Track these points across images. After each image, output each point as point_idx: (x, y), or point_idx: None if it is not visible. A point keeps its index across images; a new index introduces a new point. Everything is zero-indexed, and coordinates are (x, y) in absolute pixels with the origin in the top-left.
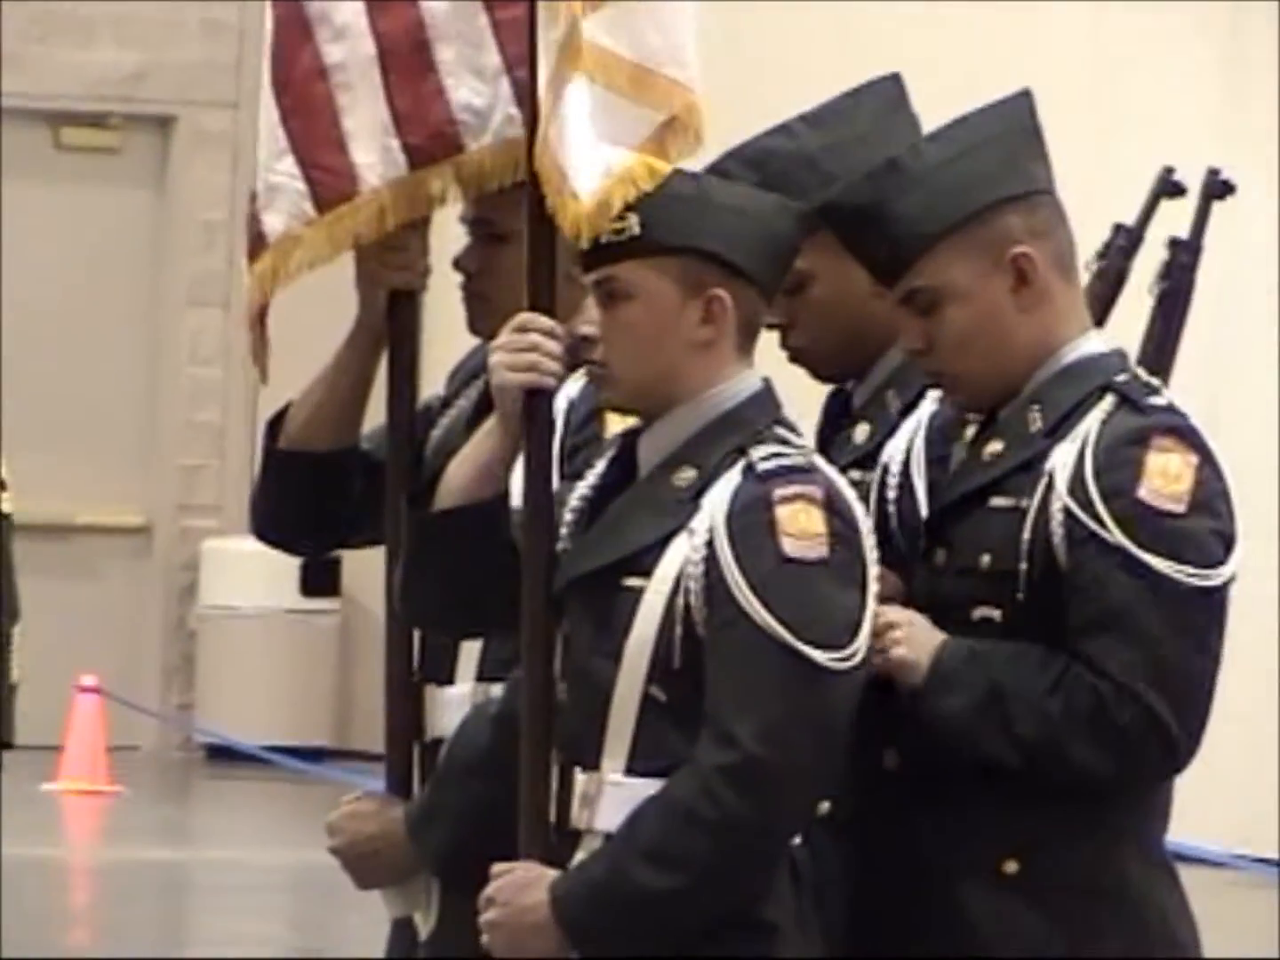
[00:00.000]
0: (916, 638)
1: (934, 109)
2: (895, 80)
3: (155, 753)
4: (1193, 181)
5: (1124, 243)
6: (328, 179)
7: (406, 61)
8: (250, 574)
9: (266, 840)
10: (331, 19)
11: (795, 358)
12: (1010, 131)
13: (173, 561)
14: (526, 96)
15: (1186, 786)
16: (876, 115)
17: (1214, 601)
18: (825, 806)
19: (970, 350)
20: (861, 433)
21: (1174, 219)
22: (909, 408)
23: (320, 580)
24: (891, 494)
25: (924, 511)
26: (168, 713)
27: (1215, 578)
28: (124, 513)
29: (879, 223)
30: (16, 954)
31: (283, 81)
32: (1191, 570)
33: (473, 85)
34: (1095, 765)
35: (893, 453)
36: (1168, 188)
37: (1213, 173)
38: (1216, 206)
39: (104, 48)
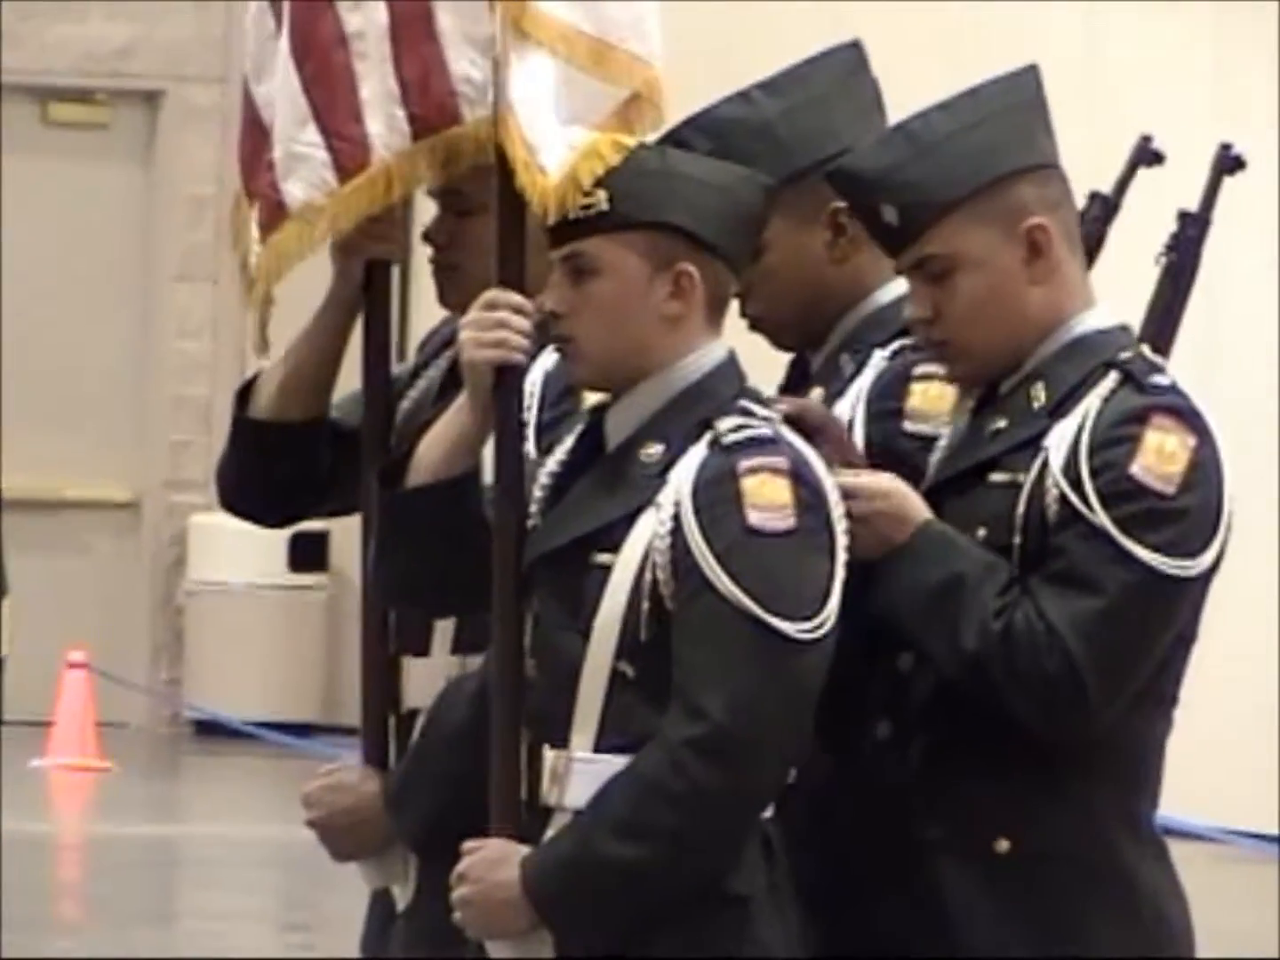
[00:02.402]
0: (896, 521)
1: (919, 93)
2: (855, 47)
3: (143, 728)
4: (1185, 152)
5: (1099, 211)
6: (347, 148)
7: (413, 30)
8: (238, 549)
9: (254, 815)
10: None
11: (754, 325)
12: (1021, 104)
13: (161, 537)
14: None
15: (1177, 762)
16: (834, 80)
17: (1180, 590)
18: (791, 775)
19: (980, 320)
20: (816, 396)
21: (1185, 193)
22: (860, 368)
23: (308, 555)
24: None
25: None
26: (156, 688)
27: (1189, 569)
28: (112, 488)
29: (891, 190)
30: (6, 928)
31: (304, 50)
32: (1166, 559)
33: (470, 56)
34: (1011, 699)
35: (841, 411)
36: (1146, 156)
37: (1225, 147)
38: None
39: (93, 23)
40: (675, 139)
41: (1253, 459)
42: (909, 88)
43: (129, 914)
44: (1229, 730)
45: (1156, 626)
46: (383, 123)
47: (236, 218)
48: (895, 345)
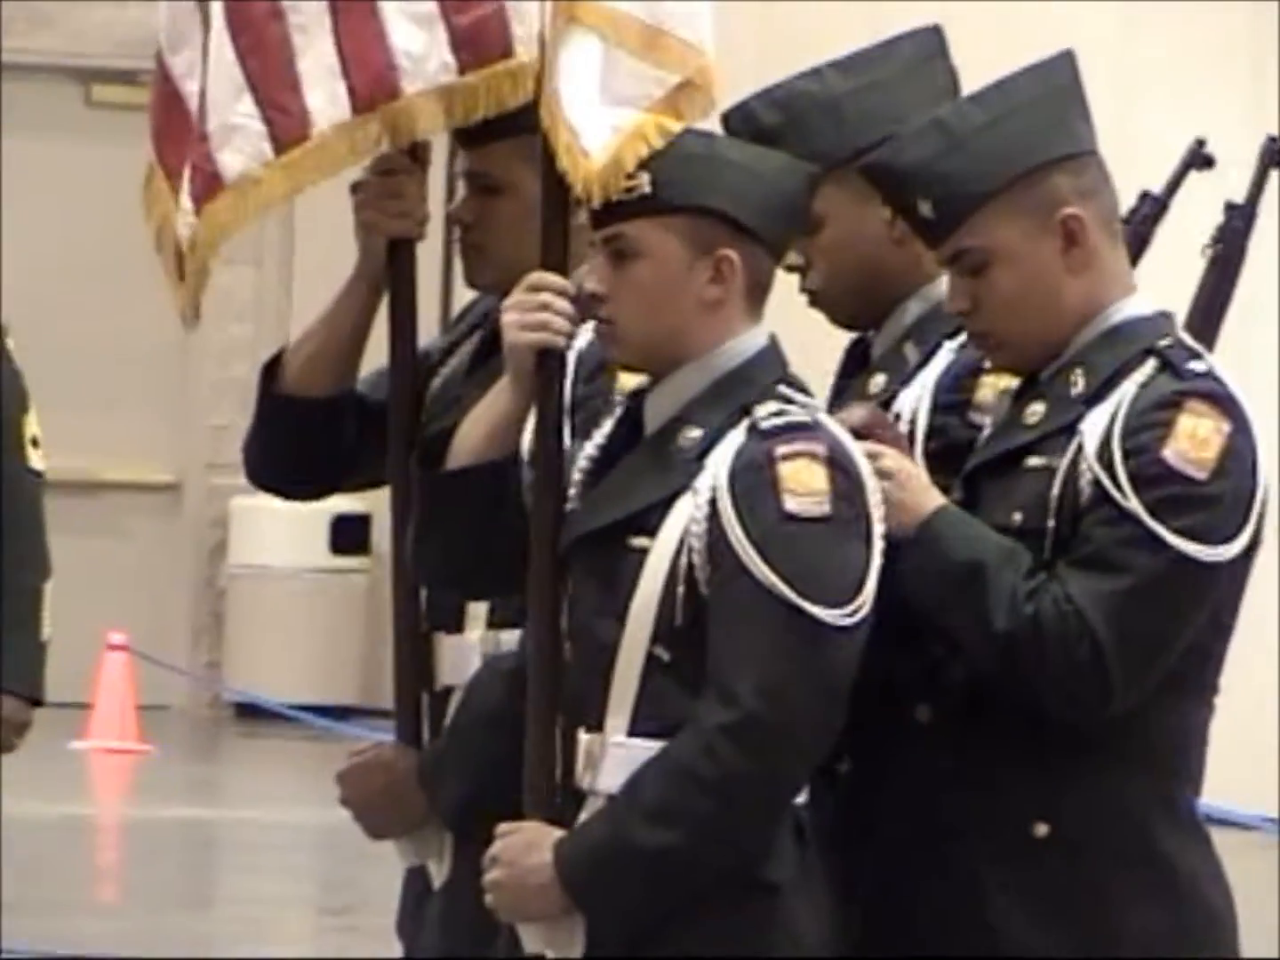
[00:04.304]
0: (910, 482)
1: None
2: (935, 31)
3: (184, 711)
4: (1229, 150)
5: (1149, 210)
6: (284, 120)
7: (353, 3)
8: (279, 532)
9: (294, 798)
10: None
11: (813, 301)
12: (1055, 92)
13: (202, 519)
14: (464, 43)
15: (1218, 750)
16: (907, 63)
17: (1209, 576)
18: (845, 766)
19: (1018, 311)
20: (878, 382)
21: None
22: (926, 359)
23: (350, 538)
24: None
25: (919, 458)
26: (196, 671)
27: (1218, 555)
28: (153, 470)
29: (925, 184)
30: (44, 910)
31: (240, 22)
32: (1195, 544)
33: (409, 30)
34: (1038, 684)
35: (906, 402)
36: (1198, 160)
37: (1272, 139)
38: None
39: (135, 5)
40: (744, 111)
41: None
42: None
43: (167, 897)
44: (1271, 717)
45: (1183, 611)
46: (323, 96)
47: (149, 190)
48: (963, 337)
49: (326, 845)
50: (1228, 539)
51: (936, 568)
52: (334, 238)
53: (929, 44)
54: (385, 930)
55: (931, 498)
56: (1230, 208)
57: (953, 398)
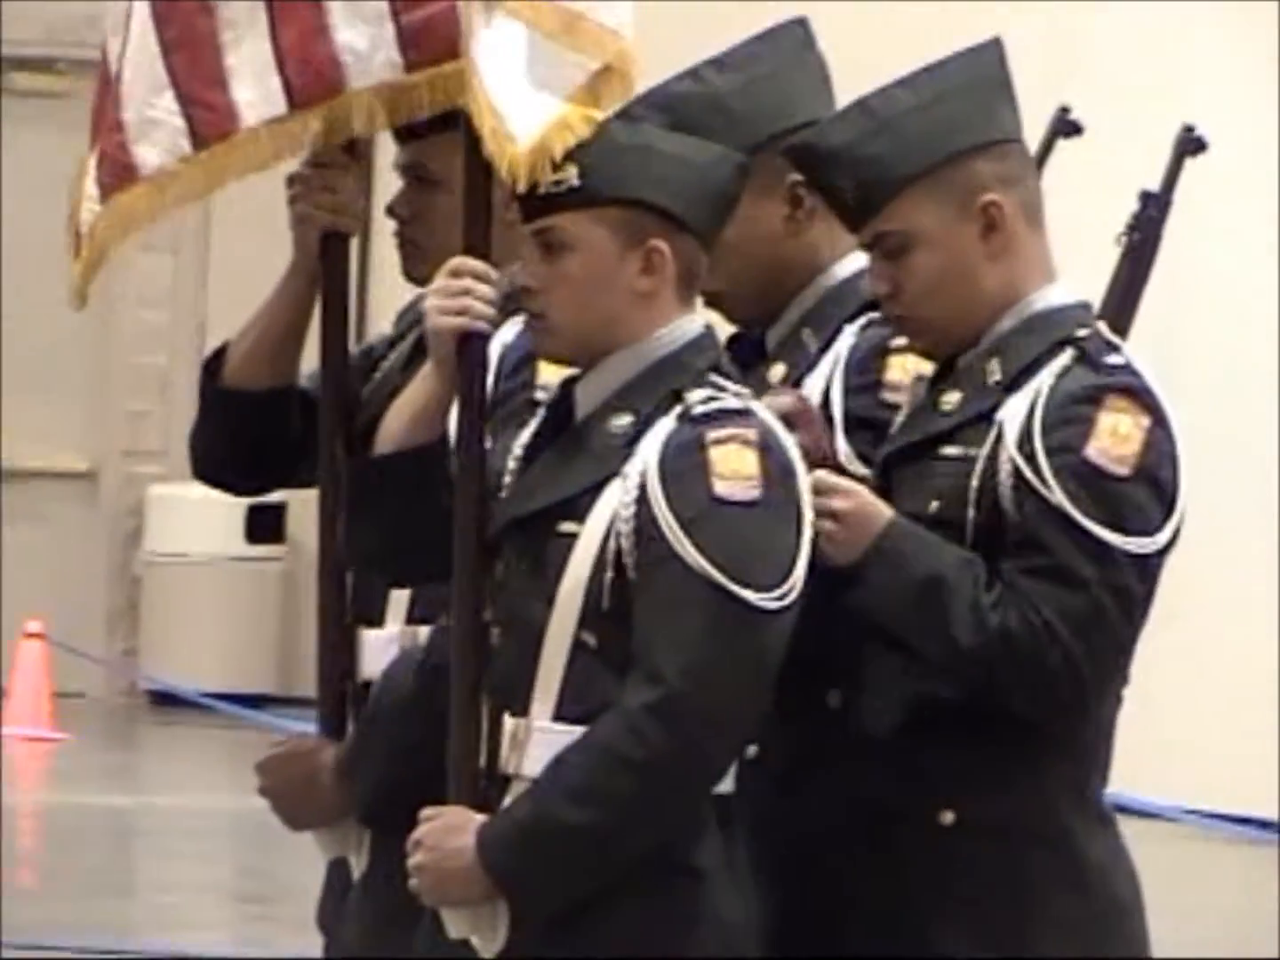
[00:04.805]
0: (857, 523)
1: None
2: (802, 24)
3: (100, 699)
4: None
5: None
6: (207, 116)
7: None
8: (195, 520)
9: (211, 786)
10: None
11: (709, 302)
12: (981, 79)
13: (118, 507)
14: (411, 41)
15: (1142, 744)
16: (786, 55)
17: (1146, 567)
18: (753, 750)
19: (937, 296)
20: (777, 372)
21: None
22: (826, 345)
23: (265, 527)
24: None
25: (842, 444)
26: (112, 659)
27: (1149, 545)
28: (69, 458)
29: (848, 166)
30: None
31: (165, 16)
32: (1127, 537)
33: (355, 26)
34: (1013, 695)
35: (812, 388)
36: (1065, 128)
37: (1187, 129)
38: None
39: None
40: (629, 117)
41: (1209, 439)
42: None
43: (85, 884)
44: (1192, 714)
45: (1138, 607)
46: (253, 91)
47: (81, 166)
48: (864, 319)
49: (243, 832)
50: (1155, 530)
51: (893, 585)
52: (251, 226)
53: (801, 36)
54: (303, 917)
55: (879, 513)
56: (1146, 196)
57: (863, 379)
